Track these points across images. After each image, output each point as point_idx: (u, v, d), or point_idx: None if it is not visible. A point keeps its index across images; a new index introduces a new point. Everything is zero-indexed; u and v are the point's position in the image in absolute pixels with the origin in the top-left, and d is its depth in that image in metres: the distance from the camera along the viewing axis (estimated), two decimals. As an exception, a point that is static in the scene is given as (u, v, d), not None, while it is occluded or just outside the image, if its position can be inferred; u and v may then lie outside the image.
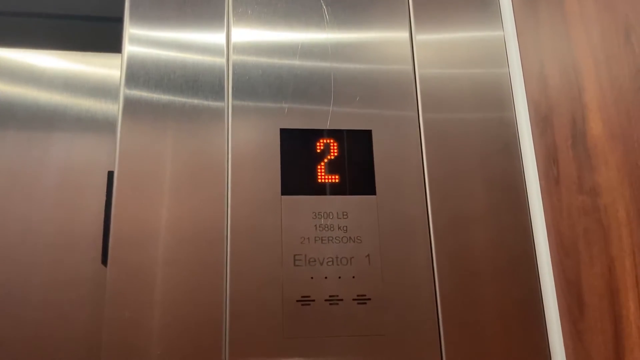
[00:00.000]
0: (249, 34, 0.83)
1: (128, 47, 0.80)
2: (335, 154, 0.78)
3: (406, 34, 0.86)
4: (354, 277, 0.73)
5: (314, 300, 0.72)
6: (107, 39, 1.01)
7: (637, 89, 0.59)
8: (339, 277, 0.73)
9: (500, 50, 0.87)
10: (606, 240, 0.64)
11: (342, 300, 0.72)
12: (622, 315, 0.61)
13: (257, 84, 0.80)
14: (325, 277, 0.73)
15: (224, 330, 0.70)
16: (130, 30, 0.81)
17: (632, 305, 0.60)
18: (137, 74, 0.79)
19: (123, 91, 0.78)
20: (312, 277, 0.73)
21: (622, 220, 0.62)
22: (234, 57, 0.82)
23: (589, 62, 0.68)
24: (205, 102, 0.79)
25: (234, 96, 0.79)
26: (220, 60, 0.81)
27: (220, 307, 0.70)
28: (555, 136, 0.75)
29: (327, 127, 0.79)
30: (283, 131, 0.78)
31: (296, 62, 0.82)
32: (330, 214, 0.75)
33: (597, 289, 0.65)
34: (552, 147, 0.75)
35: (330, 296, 0.72)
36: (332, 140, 0.79)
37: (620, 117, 0.62)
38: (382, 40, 0.86)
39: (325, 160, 0.78)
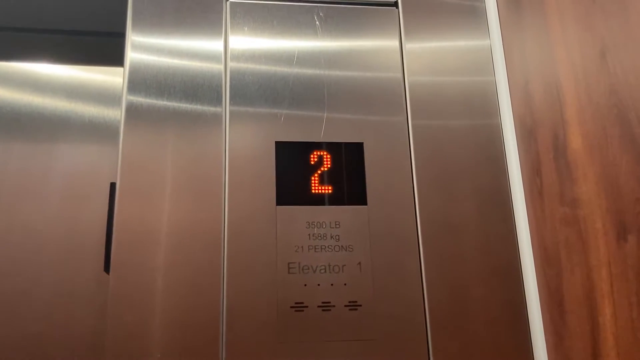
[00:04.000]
0: (246, 42, 0.86)
1: (131, 54, 0.84)
2: (329, 166, 0.81)
3: (396, 43, 0.90)
4: (345, 284, 0.77)
5: (307, 307, 0.75)
6: (110, 53, 1.05)
7: (612, 106, 0.63)
8: (331, 285, 0.76)
9: (487, 59, 0.90)
10: (585, 250, 0.67)
11: (334, 306, 0.75)
12: (599, 322, 0.64)
13: (253, 90, 0.84)
14: (318, 285, 0.76)
15: (221, 335, 0.73)
16: (133, 38, 0.84)
17: (608, 313, 0.63)
18: (139, 80, 0.82)
19: (125, 98, 0.81)
20: (305, 284, 0.76)
21: (599, 232, 0.65)
22: (231, 64, 0.85)
23: (569, 79, 0.71)
24: (204, 108, 0.82)
25: (231, 102, 0.83)
26: (218, 67, 0.85)
27: (217, 312, 0.74)
28: (539, 149, 0.78)
29: (321, 140, 0.82)
30: (278, 144, 0.81)
31: (292, 70, 0.86)
32: (323, 223, 0.79)
33: (577, 297, 0.69)
34: (536, 159, 0.78)
35: (322, 302, 0.76)
36: (325, 153, 0.82)
37: (597, 132, 0.65)
38: (373, 49, 0.89)
39: (319, 172, 0.81)
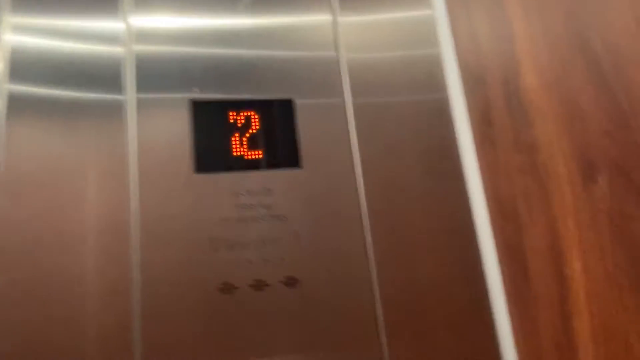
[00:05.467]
0: (151, 21, 0.73)
1: (9, 37, 0.69)
2: (255, 126, 0.70)
3: (329, 17, 0.79)
4: (282, 258, 0.66)
5: (237, 288, 0.64)
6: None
7: (571, 34, 0.55)
8: (264, 260, 0.66)
9: (430, 28, 0.81)
10: (547, 199, 0.60)
11: (268, 285, 0.65)
12: (567, 276, 0.57)
13: (161, 74, 0.71)
14: (250, 261, 0.65)
15: (135, 330, 0.61)
16: (11, 19, 0.70)
17: (578, 266, 0.56)
18: (22, 66, 0.68)
19: (7, 87, 0.67)
20: (233, 262, 0.65)
21: (563, 177, 0.57)
22: (135, 47, 0.71)
23: (518, 10, 0.63)
24: (103, 96, 0.69)
25: (138, 88, 0.70)
26: (119, 50, 0.71)
27: (129, 305, 0.61)
28: (488, 96, 0.70)
29: (245, 97, 0.71)
30: (194, 103, 0.69)
31: (205, 51, 0.73)
32: (252, 191, 0.68)
33: (540, 252, 0.61)
34: (485, 108, 0.71)
35: (255, 280, 0.65)
36: (251, 112, 0.71)
37: (555, 66, 0.58)
38: (302, 24, 0.78)
39: (244, 134, 0.70)
